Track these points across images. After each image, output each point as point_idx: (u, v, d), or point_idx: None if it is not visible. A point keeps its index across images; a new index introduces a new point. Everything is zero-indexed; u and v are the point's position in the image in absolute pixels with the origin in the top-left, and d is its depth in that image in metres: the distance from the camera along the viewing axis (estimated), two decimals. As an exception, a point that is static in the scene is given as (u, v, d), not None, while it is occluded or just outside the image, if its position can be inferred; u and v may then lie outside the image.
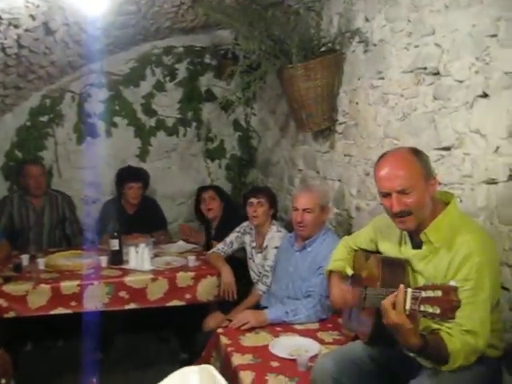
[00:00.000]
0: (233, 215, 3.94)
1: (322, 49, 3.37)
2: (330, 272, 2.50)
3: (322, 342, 2.62)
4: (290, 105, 3.49)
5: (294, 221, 3.11)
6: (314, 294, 2.95)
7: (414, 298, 1.64)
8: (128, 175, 4.50)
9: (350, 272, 2.41)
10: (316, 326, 2.85)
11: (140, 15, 3.56)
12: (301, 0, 3.71)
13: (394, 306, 1.71)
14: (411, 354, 1.82)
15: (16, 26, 2.57)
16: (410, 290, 1.68)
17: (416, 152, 1.99)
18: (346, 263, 2.45)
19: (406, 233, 2.09)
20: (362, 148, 3.16)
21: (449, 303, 1.57)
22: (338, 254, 2.52)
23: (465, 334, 1.77)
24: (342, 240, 2.62)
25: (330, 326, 2.84)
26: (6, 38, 2.65)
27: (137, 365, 3.91)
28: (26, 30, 2.72)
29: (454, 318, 1.59)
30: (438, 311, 1.58)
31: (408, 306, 1.65)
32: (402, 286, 1.73)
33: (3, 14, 2.30)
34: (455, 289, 1.58)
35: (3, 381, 1.46)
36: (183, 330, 4.19)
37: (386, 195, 1.97)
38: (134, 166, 4.77)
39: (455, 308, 1.57)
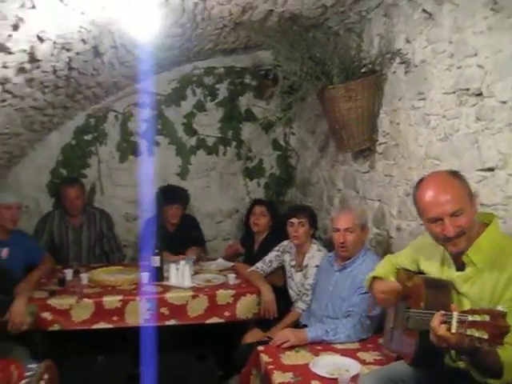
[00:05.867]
0: (278, 235, 3.95)
1: (363, 70, 3.40)
2: (373, 279, 2.50)
3: (362, 361, 2.62)
4: (331, 125, 3.52)
5: (336, 242, 3.13)
6: (354, 313, 2.95)
7: (461, 322, 1.62)
8: (166, 196, 4.55)
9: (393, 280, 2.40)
10: (356, 345, 2.84)
11: (185, 37, 3.65)
12: (341, 21, 3.77)
13: (441, 323, 1.72)
14: (461, 361, 1.80)
15: (68, 50, 2.67)
16: (455, 313, 1.67)
17: (454, 173, 2.01)
18: (389, 274, 2.44)
19: (447, 254, 2.08)
20: (402, 168, 3.16)
21: (497, 329, 1.54)
22: (381, 267, 2.52)
23: None
24: (385, 257, 2.62)
25: (370, 345, 2.84)
26: (58, 61, 2.76)
27: (174, 381, 3.93)
28: (77, 53, 2.83)
29: (502, 344, 1.56)
30: (485, 336, 1.55)
31: (454, 330, 1.64)
32: (453, 305, 1.74)
33: (58, 39, 2.40)
34: (503, 314, 1.56)
35: (50, 392, 1.51)
36: (221, 348, 4.22)
37: (435, 221, 1.95)
38: (173, 185, 4.83)
39: (504, 334, 1.54)
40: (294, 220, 3.67)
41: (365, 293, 2.85)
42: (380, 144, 3.44)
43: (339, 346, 2.83)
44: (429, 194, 1.97)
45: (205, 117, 5.06)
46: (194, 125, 5.04)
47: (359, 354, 2.72)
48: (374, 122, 3.44)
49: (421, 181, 2.06)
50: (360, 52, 3.39)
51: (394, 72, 3.24)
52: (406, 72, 3.09)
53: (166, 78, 4.91)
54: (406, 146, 3.11)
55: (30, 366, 1.50)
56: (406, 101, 3.09)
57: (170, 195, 4.56)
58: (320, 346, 2.83)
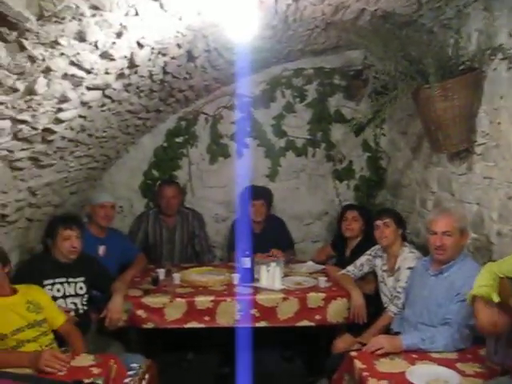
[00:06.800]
0: (371, 241, 3.85)
1: (460, 67, 3.26)
2: (474, 297, 2.38)
3: (462, 373, 2.48)
4: (426, 125, 3.40)
5: (433, 245, 3.01)
6: (452, 321, 2.82)
7: None
8: (250, 193, 4.57)
9: (496, 299, 2.28)
10: (454, 355, 2.71)
11: (275, 39, 3.65)
12: (436, 18, 3.63)
13: None
14: None
15: (164, 55, 2.73)
16: None
17: None
18: (491, 289, 2.32)
19: None
20: (504, 170, 3.00)
21: None
22: (483, 280, 2.39)
23: None
24: (486, 266, 2.49)
25: (469, 356, 2.69)
26: (154, 66, 2.83)
27: (261, 382, 3.93)
28: (172, 58, 2.89)
29: None
30: None
31: None
32: None
33: (156, 45, 2.46)
34: None
35: (151, 389, 1.54)
36: (310, 351, 4.20)
37: None
38: (257, 185, 4.82)
39: None
40: (378, 222, 3.61)
41: (463, 300, 2.73)
42: (479, 145, 3.28)
43: (436, 356, 2.71)
44: None
45: (294, 118, 5.03)
46: (283, 126, 5.03)
47: (458, 365, 2.58)
48: (473, 121, 3.29)
49: None
50: (458, 49, 3.25)
51: (495, 69, 3.08)
52: (509, 68, 2.93)
53: (255, 80, 4.92)
54: (508, 146, 2.95)
55: (132, 365, 1.54)
56: (509, 99, 2.93)
57: (254, 192, 4.58)
58: (416, 354, 2.72)
